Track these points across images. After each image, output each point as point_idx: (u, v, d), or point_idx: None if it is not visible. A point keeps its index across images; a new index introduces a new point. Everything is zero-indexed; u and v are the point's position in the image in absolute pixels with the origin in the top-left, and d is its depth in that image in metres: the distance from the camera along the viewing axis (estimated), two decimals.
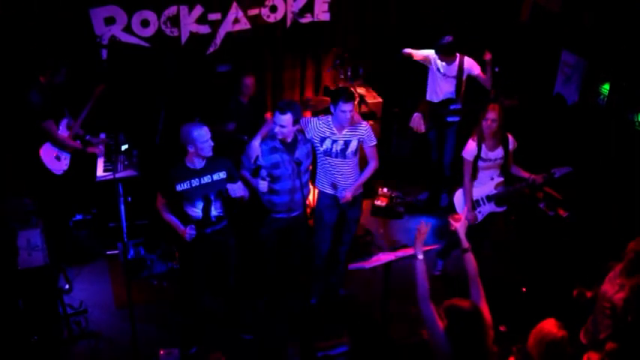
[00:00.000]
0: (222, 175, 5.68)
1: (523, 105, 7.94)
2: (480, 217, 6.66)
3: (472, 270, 4.55)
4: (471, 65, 7.79)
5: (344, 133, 6.16)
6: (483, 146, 6.40)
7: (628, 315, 4.97)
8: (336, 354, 5.88)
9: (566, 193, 7.58)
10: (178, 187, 5.51)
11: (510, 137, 6.47)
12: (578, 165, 7.59)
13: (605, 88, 7.61)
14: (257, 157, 5.99)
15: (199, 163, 5.56)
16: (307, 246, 6.61)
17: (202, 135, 5.45)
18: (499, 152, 6.44)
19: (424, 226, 4.69)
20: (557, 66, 8.42)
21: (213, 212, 5.72)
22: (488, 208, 6.63)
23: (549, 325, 4.45)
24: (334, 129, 6.15)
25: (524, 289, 6.91)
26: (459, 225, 4.82)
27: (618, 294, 5.10)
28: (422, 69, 8.09)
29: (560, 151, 8.07)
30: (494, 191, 6.57)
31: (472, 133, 6.48)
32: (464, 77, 7.84)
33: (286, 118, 5.80)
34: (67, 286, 6.89)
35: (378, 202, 8.45)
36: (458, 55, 7.78)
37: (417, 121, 8.09)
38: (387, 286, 6.09)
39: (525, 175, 6.48)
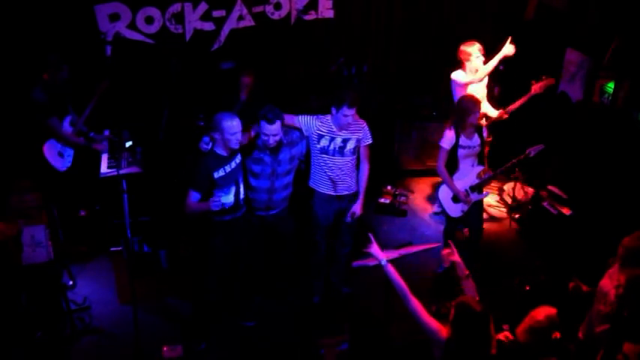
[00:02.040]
0: (239, 158, 5.80)
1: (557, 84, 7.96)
2: (465, 208, 6.74)
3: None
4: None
5: (343, 131, 6.13)
6: (462, 135, 6.48)
7: (623, 309, 4.97)
8: (339, 351, 5.87)
9: (571, 192, 7.58)
10: (216, 175, 5.59)
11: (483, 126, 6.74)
12: (582, 163, 7.61)
13: (610, 86, 7.60)
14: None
15: (226, 151, 5.64)
16: (292, 242, 6.61)
17: (232, 127, 5.49)
18: (476, 139, 6.57)
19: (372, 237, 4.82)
20: (561, 64, 8.41)
21: (241, 195, 5.85)
22: (473, 197, 6.70)
23: (542, 310, 4.59)
24: (333, 127, 6.12)
25: (527, 288, 6.90)
26: (454, 256, 4.84)
27: (615, 289, 5.12)
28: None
29: (563, 148, 8.06)
30: (477, 181, 6.67)
31: (446, 122, 6.59)
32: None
33: (276, 127, 5.74)
34: (70, 282, 6.90)
35: (382, 200, 8.44)
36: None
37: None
38: (390, 285, 6.11)
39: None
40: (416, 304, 4.32)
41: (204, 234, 5.90)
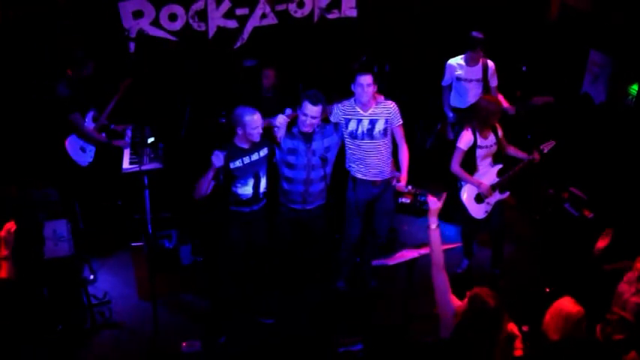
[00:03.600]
0: (265, 151, 5.86)
1: (557, 102, 7.91)
2: (489, 208, 6.72)
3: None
4: (492, 73, 7.71)
5: (370, 112, 6.07)
6: (478, 135, 6.48)
7: None
8: (357, 350, 5.86)
9: (592, 194, 7.53)
10: (232, 165, 5.68)
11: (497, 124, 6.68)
12: (604, 165, 7.56)
13: (634, 88, 7.54)
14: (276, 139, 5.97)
15: (247, 144, 5.72)
16: (324, 240, 6.59)
17: (253, 121, 5.59)
18: (492, 138, 6.57)
19: (435, 199, 4.56)
20: (584, 65, 8.36)
21: (261, 189, 5.90)
22: (494, 197, 6.67)
23: (566, 302, 4.57)
24: (357, 108, 6.07)
25: (547, 290, 6.86)
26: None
27: (634, 297, 5.09)
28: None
29: (587, 150, 8.01)
30: (497, 179, 6.63)
31: (465, 125, 6.59)
32: (490, 82, 7.71)
33: (317, 109, 5.78)
34: (91, 277, 6.95)
35: (402, 200, 8.42)
36: (481, 58, 7.70)
37: (443, 128, 8.08)
38: (410, 284, 6.10)
39: (522, 154, 6.63)
40: (445, 278, 4.27)
41: (222, 225, 5.96)
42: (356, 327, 6.34)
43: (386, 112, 6.11)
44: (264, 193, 5.96)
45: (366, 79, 5.91)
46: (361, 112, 6.08)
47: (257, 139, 5.67)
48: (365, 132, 6.11)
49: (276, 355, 6.14)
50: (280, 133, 5.92)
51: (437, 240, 4.38)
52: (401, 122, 6.22)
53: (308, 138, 5.94)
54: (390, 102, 6.17)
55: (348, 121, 6.12)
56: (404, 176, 6.09)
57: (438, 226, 4.40)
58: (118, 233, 7.63)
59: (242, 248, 6.05)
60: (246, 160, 5.74)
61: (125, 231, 7.60)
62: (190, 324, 6.44)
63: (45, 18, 7.35)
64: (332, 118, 6.17)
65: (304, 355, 6.16)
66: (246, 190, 5.81)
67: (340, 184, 6.48)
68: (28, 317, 5.80)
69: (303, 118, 5.82)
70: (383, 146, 6.19)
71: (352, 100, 6.12)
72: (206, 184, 5.60)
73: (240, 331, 6.35)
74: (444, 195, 4.49)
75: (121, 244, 7.55)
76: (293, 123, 6.01)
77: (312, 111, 5.76)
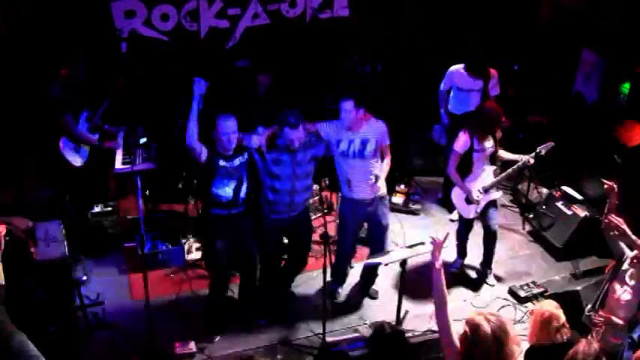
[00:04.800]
0: (246, 156, 5.85)
1: (550, 122, 7.95)
2: (478, 209, 6.76)
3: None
4: (495, 83, 7.63)
5: (360, 132, 6.07)
6: (475, 138, 6.48)
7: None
8: (351, 349, 5.85)
9: (585, 193, 7.55)
10: (220, 162, 5.69)
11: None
12: (598, 163, 7.57)
13: (626, 87, 7.57)
14: (259, 148, 5.91)
15: (227, 150, 5.71)
16: (309, 243, 6.64)
17: (226, 126, 5.58)
18: (490, 142, 6.60)
19: (439, 238, 4.46)
20: (577, 64, 8.38)
21: (242, 194, 5.86)
22: (485, 198, 6.71)
23: (547, 306, 4.72)
24: (346, 130, 6.08)
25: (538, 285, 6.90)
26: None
27: (623, 295, 5.13)
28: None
29: (579, 149, 8.03)
30: (489, 181, 6.66)
31: (463, 127, 6.63)
32: (491, 90, 7.62)
33: (299, 131, 5.76)
34: (84, 278, 6.93)
35: (394, 199, 8.43)
36: None
37: (439, 134, 8.08)
38: (404, 283, 6.12)
39: (515, 157, 6.66)
40: (447, 318, 4.23)
41: (205, 235, 5.95)
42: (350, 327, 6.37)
43: (376, 132, 6.13)
44: (243, 198, 5.90)
45: (348, 105, 5.92)
46: (353, 131, 6.08)
47: (228, 145, 5.63)
48: (356, 152, 6.11)
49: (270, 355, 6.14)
50: (263, 148, 5.89)
51: (440, 280, 4.24)
52: (388, 142, 6.26)
53: (292, 150, 5.89)
54: (380, 122, 6.19)
55: (339, 141, 6.12)
56: (380, 181, 6.16)
57: (441, 265, 4.30)
58: (110, 233, 7.59)
59: (226, 259, 6.01)
60: (229, 165, 5.73)
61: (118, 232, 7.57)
62: (184, 324, 6.43)
63: (45, 18, 7.33)
64: (323, 135, 6.14)
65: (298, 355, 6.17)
66: (226, 192, 5.78)
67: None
68: (21, 319, 5.78)
69: (289, 142, 5.79)
70: (374, 165, 6.20)
71: (338, 122, 6.12)
72: (193, 121, 5.53)
73: (234, 332, 6.35)
74: (447, 235, 4.47)
75: (113, 244, 7.52)
76: (276, 136, 5.95)
77: (294, 135, 5.74)
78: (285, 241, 6.72)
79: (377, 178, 6.07)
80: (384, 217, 6.50)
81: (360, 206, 6.34)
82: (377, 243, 6.57)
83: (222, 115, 5.62)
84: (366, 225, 6.80)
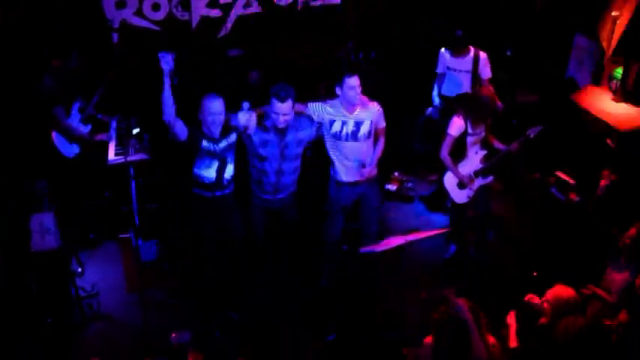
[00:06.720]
0: (234, 137, 5.79)
1: (542, 101, 7.92)
2: (471, 193, 6.76)
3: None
4: (484, 65, 7.56)
5: (355, 113, 6.02)
6: (469, 122, 6.48)
7: None
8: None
9: (579, 178, 7.56)
10: (203, 143, 5.66)
11: None
12: (590, 149, 7.58)
13: (618, 72, 7.56)
14: (246, 128, 5.80)
15: (211, 132, 5.66)
16: (296, 227, 6.56)
17: (209, 107, 5.56)
18: (482, 127, 6.58)
19: None
20: (569, 50, 8.37)
21: (226, 175, 5.81)
22: (477, 183, 6.71)
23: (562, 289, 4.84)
24: (343, 110, 6.01)
25: (535, 274, 6.90)
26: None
27: (619, 275, 5.21)
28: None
29: (573, 134, 8.03)
30: (480, 165, 6.65)
31: (456, 111, 6.60)
32: (480, 73, 7.57)
33: (287, 106, 5.64)
34: (79, 269, 6.93)
35: (389, 186, 8.42)
36: (472, 48, 7.57)
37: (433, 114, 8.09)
38: (399, 270, 6.13)
39: (500, 145, 6.62)
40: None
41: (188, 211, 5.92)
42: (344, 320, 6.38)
43: (371, 113, 6.08)
44: (228, 180, 5.88)
45: (355, 81, 5.84)
46: (347, 113, 6.02)
47: (214, 127, 5.59)
48: (349, 133, 6.06)
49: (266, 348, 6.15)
50: (250, 130, 5.79)
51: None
52: (384, 124, 6.21)
53: (281, 131, 5.82)
54: (374, 103, 6.14)
55: (332, 122, 6.06)
56: (371, 165, 6.14)
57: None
58: (105, 225, 7.58)
59: (215, 244, 5.99)
60: (213, 146, 5.70)
61: (113, 222, 7.56)
62: (180, 315, 6.44)
63: (45, 18, 7.29)
64: (315, 118, 6.06)
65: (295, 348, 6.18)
66: (209, 173, 5.75)
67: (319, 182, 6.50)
68: (17, 311, 5.79)
69: (274, 116, 5.69)
70: (366, 147, 6.16)
71: (337, 100, 6.03)
72: (168, 96, 5.55)
73: (224, 325, 6.35)
74: None
75: (108, 235, 7.51)
76: (264, 115, 5.87)
77: (281, 108, 5.63)
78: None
79: (365, 165, 6.08)
80: (375, 198, 6.51)
81: (351, 188, 6.32)
82: (367, 224, 6.56)
83: (209, 96, 5.57)
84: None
